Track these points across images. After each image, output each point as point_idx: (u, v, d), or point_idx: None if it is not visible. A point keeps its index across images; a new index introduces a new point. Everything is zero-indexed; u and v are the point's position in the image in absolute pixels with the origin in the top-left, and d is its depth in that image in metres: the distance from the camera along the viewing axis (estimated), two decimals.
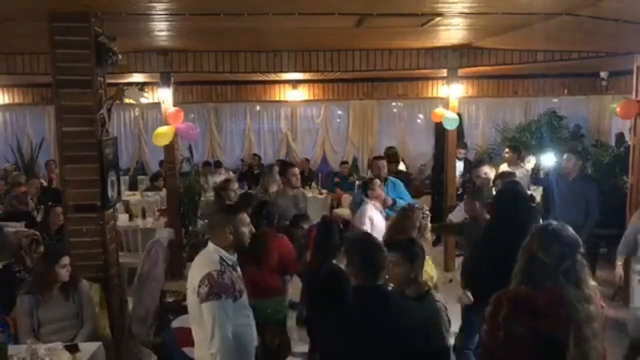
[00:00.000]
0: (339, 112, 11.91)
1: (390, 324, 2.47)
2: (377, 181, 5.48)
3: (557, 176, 6.61)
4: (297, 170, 6.00)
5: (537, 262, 2.29)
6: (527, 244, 2.38)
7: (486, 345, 2.40)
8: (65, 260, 3.96)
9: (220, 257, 3.01)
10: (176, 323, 3.90)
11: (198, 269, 2.99)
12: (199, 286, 2.89)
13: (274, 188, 6.01)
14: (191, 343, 3.49)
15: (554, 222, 2.42)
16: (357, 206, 5.54)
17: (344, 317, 2.60)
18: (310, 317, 4.30)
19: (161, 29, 5.34)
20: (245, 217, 3.18)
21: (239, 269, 3.19)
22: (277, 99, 11.21)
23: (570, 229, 2.40)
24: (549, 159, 6.97)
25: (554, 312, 2.23)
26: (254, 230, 3.28)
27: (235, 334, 2.96)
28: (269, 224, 4.51)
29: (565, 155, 6.43)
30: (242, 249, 3.18)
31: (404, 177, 7.40)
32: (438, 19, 4.64)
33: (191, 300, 3.01)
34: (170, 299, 4.94)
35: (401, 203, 5.57)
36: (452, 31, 5.67)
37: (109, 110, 4.45)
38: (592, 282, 2.32)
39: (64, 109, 4.26)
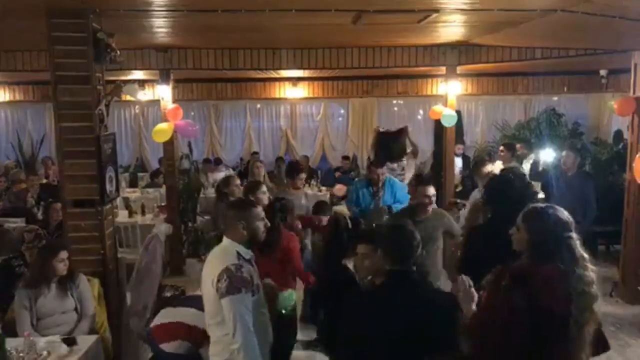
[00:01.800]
0: (339, 109, 11.94)
1: (418, 307, 2.52)
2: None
3: (555, 172, 6.63)
4: (304, 176, 6.17)
5: (553, 240, 2.35)
6: (535, 226, 2.41)
7: (482, 313, 2.42)
8: (63, 254, 3.99)
9: (237, 252, 2.97)
10: (155, 321, 3.79)
11: (215, 264, 2.94)
12: (218, 281, 2.83)
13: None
14: (167, 339, 3.48)
15: (541, 205, 2.52)
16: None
17: (369, 300, 2.67)
18: (316, 315, 4.30)
19: (160, 26, 5.37)
20: (259, 211, 3.12)
21: (254, 263, 3.14)
22: (277, 96, 11.24)
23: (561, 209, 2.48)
24: (547, 155, 7.00)
25: (554, 288, 2.27)
26: (268, 224, 3.21)
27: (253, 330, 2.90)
28: (283, 219, 4.49)
29: (564, 152, 6.46)
30: (257, 243, 3.13)
31: None
32: (434, 15, 4.66)
33: (208, 295, 2.96)
34: (168, 294, 4.98)
35: (397, 208, 5.43)
36: (449, 28, 5.69)
37: (107, 106, 4.48)
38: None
39: (63, 105, 4.29)
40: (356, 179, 6.79)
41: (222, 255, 2.97)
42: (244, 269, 2.90)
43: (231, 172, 10.42)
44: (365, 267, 3.04)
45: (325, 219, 5.16)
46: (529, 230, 2.43)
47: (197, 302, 3.59)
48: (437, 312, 2.55)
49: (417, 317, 2.50)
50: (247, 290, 2.87)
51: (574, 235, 2.38)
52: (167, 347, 3.51)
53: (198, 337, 3.51)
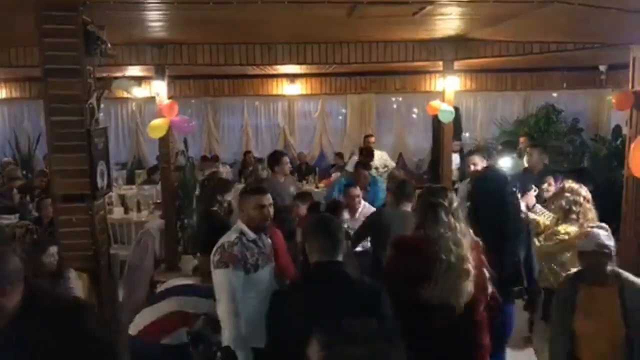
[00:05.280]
0: (337, 106, 11.88)
1: (347, 298, 2.48)
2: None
3: (520, 174, 6.40)
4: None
5: (434, 212, 2.88)
6: (427, 200, 2.96)
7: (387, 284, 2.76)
8: (53, 249, 3.96)
9: (241, 232, 3.18)
10: (142, 323, 3.69)
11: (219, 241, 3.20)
12: (213, 254, 3.10)
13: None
14: (166, 333, 3.44)
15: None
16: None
17: (297, 294, 2.66)
18: None
19: (152, 19, 5.31)
20: (256, 200, 3.24)
21: (265, 246, 3.29)
22: (274, 93, 11.19)
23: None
24: (505, 161, 6.49)
25: (417, 251, 2.81)
26: (266, 214, 3.29)
27: (245, 307, 3.05)
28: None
29: (527, 149, 6.34)
30: (259, 228, 3.25)
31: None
32: (429, 7, 4.60)
33: None
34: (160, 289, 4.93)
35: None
36: (446, 21, 5.63)
37: (98, 100, 4.43)
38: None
39: (53, 98, 4.22)
40: (342, 177, 6.89)
41: (227, 234, 3.22)
42: (236, 247, 3.09)
43: (228, 169, 10.38)
44: None
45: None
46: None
47: (180, 291, 3.58)
48: (364, 300, 2.52)
49: (346, 307, 2.39)
50: (236, 267, 3.04)
51: (444, 202, 2.85)
52: (170, 339, 3.47)
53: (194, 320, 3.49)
